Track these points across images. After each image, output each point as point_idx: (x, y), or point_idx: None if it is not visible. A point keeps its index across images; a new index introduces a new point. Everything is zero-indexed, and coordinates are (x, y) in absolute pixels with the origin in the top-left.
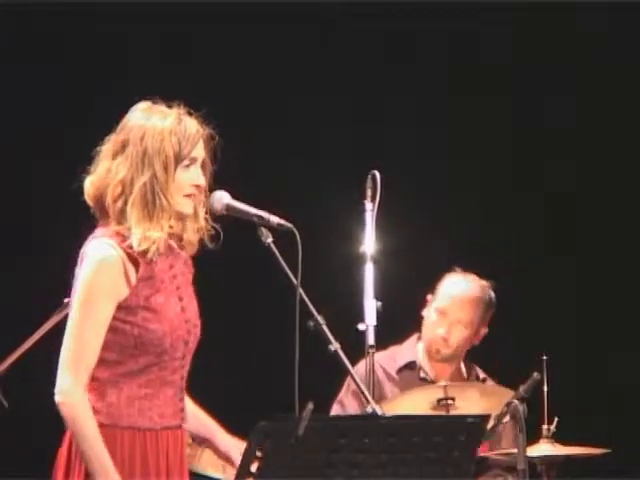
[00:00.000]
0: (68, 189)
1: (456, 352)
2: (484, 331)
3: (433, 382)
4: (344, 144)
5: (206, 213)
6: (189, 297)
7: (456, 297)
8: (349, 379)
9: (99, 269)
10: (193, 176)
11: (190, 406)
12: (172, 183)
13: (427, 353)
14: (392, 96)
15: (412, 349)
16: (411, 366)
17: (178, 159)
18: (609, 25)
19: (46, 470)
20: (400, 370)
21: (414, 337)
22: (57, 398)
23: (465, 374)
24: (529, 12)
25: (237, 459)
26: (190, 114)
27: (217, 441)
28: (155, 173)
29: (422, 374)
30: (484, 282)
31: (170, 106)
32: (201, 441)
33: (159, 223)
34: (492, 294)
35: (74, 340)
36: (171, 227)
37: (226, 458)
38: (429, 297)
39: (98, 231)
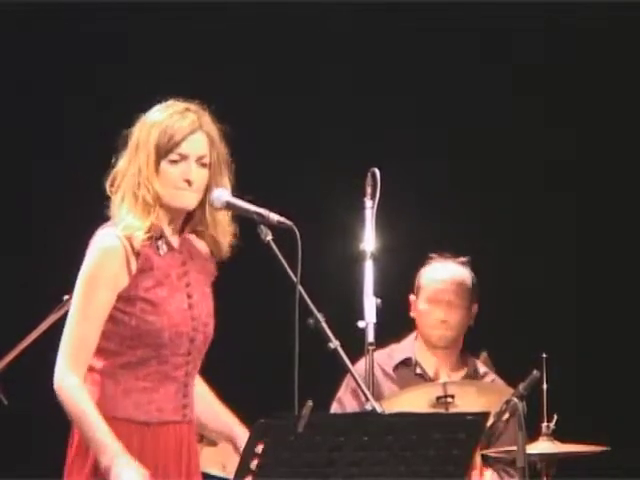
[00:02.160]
0: (68, 189)
1: (457, 334)
2: (475, 308)
3: (430, 378)
4: (344, 144)
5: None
6: (201, 296)
7: (443, 281)
8: (348, 377)
9: (101, 258)
10: (183, 171)
11: (212, 402)
12: (154, 176)
13: (428, 343)
14: (392, 96)
15: (409, 346)
16: (407, 363)
17: (160, 152)
18: (609, 23)
19: (46, 468)
20: (396, 367)
21: (412, 335)
22: (54, 386)
23: (464, 368)
24: (528, 11)
25: None
26: (204, 110)
27: (237, 442)
28: (140, 165)
29: (418, 370)
30: (461, 259)
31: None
32: (211, 442)
33: (144, 214)
34: (470, 270)
35: (73, 327)
36: (158, 218)
37: None
38: (412, 298)
39: (108, 222)
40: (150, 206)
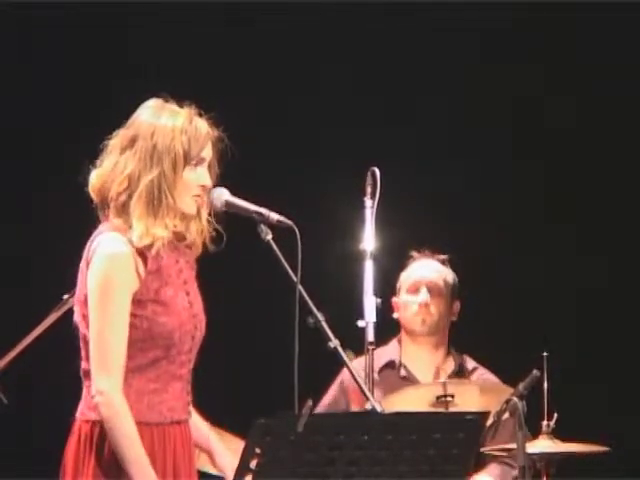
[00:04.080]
0: (68, 188)
1: (439, 321)
2: (457, 305)
3: (416, 380)
4: (344, 143)
5: (209, 215)
6: (195, 292)
7: (421, 272)
8: (341, 375)
9: (112, 264)
10: (200, 176)
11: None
12: (179, 182)
13: (412, 335)
14: (392, 96)
15: (393, 349)
16: (391, 365)
17: (187, 159)
18: (609, 23)
19: (46, 468)
20: (381, 370)
21: (395, 339)
22: (96, 399)
23: (451, 365)
24: (528, 11)
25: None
26: (200, 115)
27: (215, 457)
28: (163, 171)
29: (403, 372)
30: (440, 257)
31: (181, 105)
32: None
33: (163, 220)
34: (450, 269)
35: (100, 339)
36: (175, 226)
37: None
38: (394, 300)
39: (103, 226)
40: (170, 212)
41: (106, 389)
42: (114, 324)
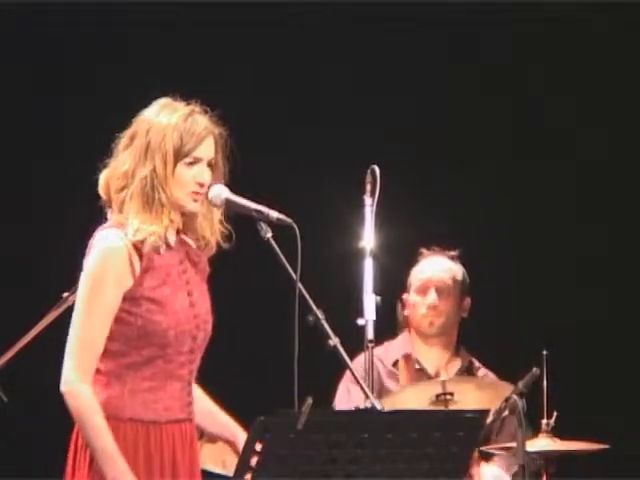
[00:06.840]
0: (68, 189)
1: (447, 322)
2: (468, 302)
3: (429, 374)
4: (344, 144)
5: (222, 214)
6: (200, 293)
7: (430, 270)
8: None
9: (105, 258)
10: (197, 173)
11: (210, 405)
12: (171, 178)
13: (421, 335)
14: (392, 96)
15: (405, 343)
16: (407, 359)
17: (178, 155)
18: (609, 25)
19: (46, 468)
20: (396, 363)
21: (404, 333)
22: (62, 388)
23: (459, 362)
24: (530, 12)
25: None
26: (206, 112)
27: (239, 443)
28: (155, 167)
29: (417, 365)
30: (450, 253)
31: (189, 103)
32: (211, 439)
33: (158, 217)
34: (460, 264)
35: (79, 329)
36: (172, 221)
37: None
38: (405, 296)
39: (106, 224)
40: (164, 208)
41: (75, 380)
42: (98, 318)
